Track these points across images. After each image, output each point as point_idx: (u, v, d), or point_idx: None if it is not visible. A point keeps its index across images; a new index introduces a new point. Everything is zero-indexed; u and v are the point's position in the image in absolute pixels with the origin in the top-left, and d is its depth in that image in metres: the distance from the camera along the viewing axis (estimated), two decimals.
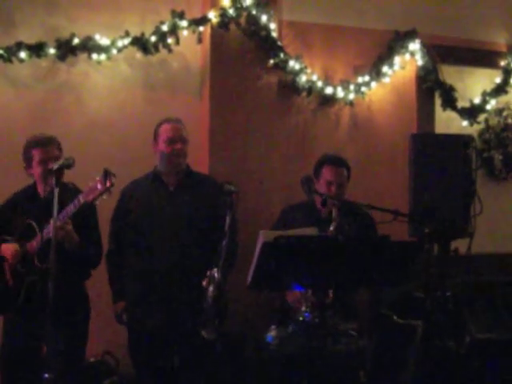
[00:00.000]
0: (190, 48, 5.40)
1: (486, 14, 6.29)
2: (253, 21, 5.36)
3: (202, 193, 4.28)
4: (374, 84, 5.82)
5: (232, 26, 5.33)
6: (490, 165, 6.35)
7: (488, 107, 6.26)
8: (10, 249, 3.94)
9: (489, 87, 6.28)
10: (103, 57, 5.09)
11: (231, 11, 5.27)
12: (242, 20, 5.37)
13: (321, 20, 5.77)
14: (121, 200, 4.36)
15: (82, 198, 3.60)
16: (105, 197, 3.52)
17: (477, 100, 6.23)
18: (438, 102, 6.11)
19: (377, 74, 5.82)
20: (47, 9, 5.17)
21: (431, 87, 6.05)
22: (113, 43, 5.08)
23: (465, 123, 6.19)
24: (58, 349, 3.66)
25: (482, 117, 6.28)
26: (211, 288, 3.46)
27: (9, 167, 4.83)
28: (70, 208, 3.67)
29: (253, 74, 5.46)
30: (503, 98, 6.35)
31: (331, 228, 3.71)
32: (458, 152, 4.25)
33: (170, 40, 5.19)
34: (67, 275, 3.75)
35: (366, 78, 5.79)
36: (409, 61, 5.98)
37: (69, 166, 3.58)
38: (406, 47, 5.90)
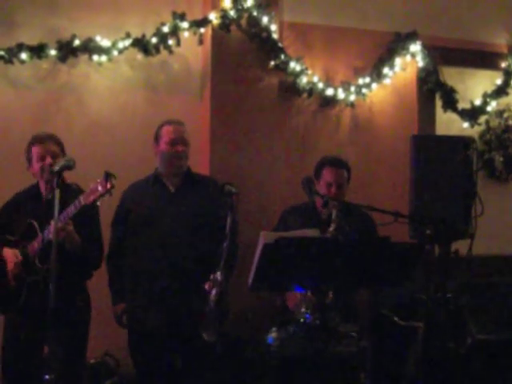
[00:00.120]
0: (191, 49, 5.40)
1: (486, 15, 6.30)
2: (254, 22, 5.37)
3: (203, 194, 4.28)
4: (374, 85, 5.83)
5: (233, 28, 5.34)
6: (490, 166, 6.35)
7: (489, 109, 6.26)
8: (10, 256, 3.95)
9: (489, 89, 6.28)
10: (104, 58, 5.09)
11: (232, 13, 5.28)
12: (243, 21, 5.37)
13: (322, 21, 5.78)
14: (122, 202, 4.36)
15: (82, 200, 3.60)
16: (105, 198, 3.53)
17: (477, 101, 6.23)
18: (438, 103, 6.12)
19: (377, 76, 5.83)
20: (48, 10, 5.18)
21: (432, 89, 6.06)
22: (114, 44, 5.09)
23: (465, 125, 6.19)
24: (59, 350, 3.65)
25: (482, 118, 6.29)
26: (214, 291, 3.46)
27: (9, 168, 4.85)
28: (71, 209, 3.67)
29: (254, 75, 5.46)
30: (504, 100, 6.35)
31: (331, 229, 3.71)
32: (459, 153, 4.25)
33: (170, 41, 5.20)
34: (68, 276, 3.76)
35: (367, 80, 5.80)
36: (409, 62, 5.99)
37: (70, 167, 3.59)
38: (407, 49, 5.91)
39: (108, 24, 5.23)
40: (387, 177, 5.89)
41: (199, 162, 5.23)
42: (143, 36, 5.14)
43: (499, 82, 6.30)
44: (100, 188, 3.50)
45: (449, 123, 6.16)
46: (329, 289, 3.71)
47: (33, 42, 4.95)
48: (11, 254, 3.94)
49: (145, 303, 4.17)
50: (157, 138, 4.31)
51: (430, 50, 5.97)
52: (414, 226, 4.21)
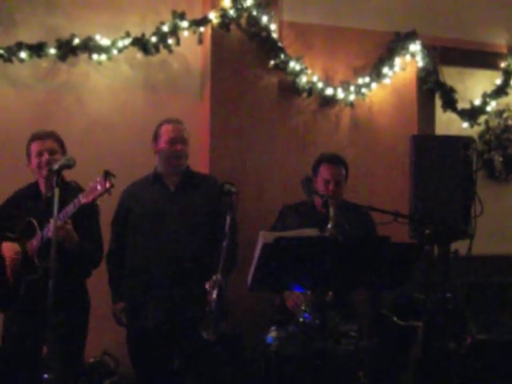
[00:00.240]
0: (191, 49, 5.40)
1: (486, 15, 6.30)
2: (253, 22, 5.36)
3: (203, 193, 4.28)
4: (374, 85, 5.83)
5: (232, 27, 5.33)
6: (490, 166, 6.35)
7: (488, 109, 6.26)
8: (10, 249, 3.94)
9: (489, 89, 6.28)
10: (104, 57, 5.09)
11: (232, 12, 5.27)
12: (243, 21, 5.36)
13: (321, 21, 5.78)
14: (121, 201, 4.36)
15: (81, 199, 3.60)
16: (105, 197, 3.53)
17: (477, 101, 6.23)
18: (438, 103, 6.12)
19: (377, 76, 5.83)
20: (48, 9, 5.17)
21: (431, 88, 6.06)
22: (113, 43, 5.08)
23: (465, 125, 6.19)
24: (58, 349, 3.65)
25: (482, 118, 6.29)
26: (215, 292, 3.46)
27: (9, 167, 4.84)
28: (70, 208, 3.67)
29: (253, 74, 5.46)
30: (503, 100, 6.35)
31: (329, 226, 3.70)
32: (459, 153, 4.25)
33: (170, 41, 5.19)
34: (67, 274, 3.75)
35: (367, 79, 5.80)
36: (409, 62, 5.99)
37: (69, 166, 3.59)
38: (407, 48, 5.91)
39: (108, 23, 5.23)
40: (387, 176, 5.89)
41: (199, 161, 5.22)
42: (143, 35, 5.14)
43: (499, 81, 6.29)
44: (99, 187, 3.50)
45: (448, 123, 6.16)
46: (328, 288, 3.71)
47: (32, 40, 4.95)
48: (10, 248, 3.94)
49: (144, 302, 4.17)
50: (156, 137, 4.30)
51: (429, 49, 5.97)
52: (413, 226, 4.22)
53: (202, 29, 5.29)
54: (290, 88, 5.58)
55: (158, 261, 4.15)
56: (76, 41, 5.00)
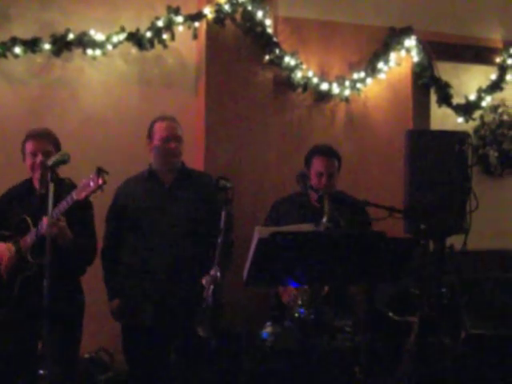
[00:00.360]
0: (186, 44, 5.39)
1: (481, 10, 6.30)
2: (248, 17, 5.36)
3: (198, 189, 4.27)
4: (369, 80, 5.82)
5: (227, 22, 5.33)
6: (485, 161, 6.36)
7: (483, 104, 6.27)
8: (5, 250, 3.94)
9: (484, 84, 6.28)
10: (98, 52, 5.07)
11: (227, 7, 5.27)
12: (238, 16, 5.36)
13: (316, 16, 5.77)
14: (116, 197, 4.36)
15: (74, 195, 3.60)
16: (98, 193, 3.52)
17: (472, 97, 6.23)
18: (433, 98, 6.12)
19: (372, 71, 5.83)
20: (42, 4, 5.16)
21: (427, 84, 6.06)
22: (108, 39, 5.07)
23: (460, 120, 6.19)
24: (53, 345, 3.64)
25: (477, 113, 6.29)
26: (211, 287, 3.45)
27: (4, 162, 4.83)
28: (63, 205, 3.67)
29: (248, 70, 5.46)
30: (498, 95, 6.35)
31: (324, 220, 3.70)
32: (454, 148, 4.25)
33: (165, 36, 5.18)
34: (61, 271, 3.74)
35: (362, 75, 5.79)
36: (404, 57, 5.99)
37: (64, 161, 3.59)
38: (402, 43, 5.90)
39: (102, 18, 5.22)
40: (382, 171, 5.89)
41: (194, 157, 5.22)
42: (137, 30, 5.13)
43: (494, 77, 6.29)
44: (92, 184, 3.49)
45: (443, 118, 6.17)
46: (324, 283, 3.71)
47: (27, 35, 4.93)
48: (4, 249, 3.94)
49: (140, 298, 4.17)
50: (150, 134, 4.29)
51: (424, 44, 5.96)
52: (408, 221, 4.22)
53: (196, 24, 5.28)
54: (285, 83, 5.57)
55: (153, 258, 4.15)
56: (70, 36, 4.99)
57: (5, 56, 4.90)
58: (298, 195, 4.57)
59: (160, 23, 5.16)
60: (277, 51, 5.44)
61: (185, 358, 4.20)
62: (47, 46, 4.96)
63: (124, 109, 5.36)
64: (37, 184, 4.06)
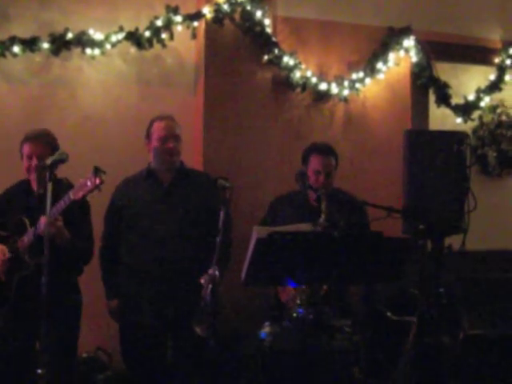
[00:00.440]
0: (185, 43, 5.39)
1: (480, 10, 6.30)
2: (247, 16, 5.36)
3: (196, 189, 4.27)
4: (368, 80, 5.82)
5: (226, 22, 5.33)
6: (483, 162, 6.36)
7: (482, 104, 6.26)
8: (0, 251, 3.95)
9: (483, 84, 6.28)
10: (97, 52, 5.07)
11: (226, 6, 5.26)
12: (237, 15, 5.36)
13: (315, 16, 5.77)
14: (114, 197, 4.36)
15: (72, 195, 3.60)
16: (95, 193, 3.53)
17: (471, 97, 6.23)
18: (432, 98, 6.12)
19: (371, 71, 5.82)
20: (41, 3, 5.15)
21: (425, 84, 6.05)
22: (107, 38, 5.07)
23: (459, 120, 6.19)
24: (51, 344, 3.64)
25: (476, 114, 6.29)
26: (210, 286, 3.45)
27: (3, 161, 4.82)
28: (61, 204, 3.67)
29: (247, 69, 5.46)
30: (497, 95, 6.35)
31: (322, 220, 3.70)
32: (452, 149, 4.24)
33: (164, 35, 5.18)
34: (59, 271, 3.74)
35: (361, 75, 5.79)
36: (403, 57, 5.98)
37: (62, 160, 3.58)
38: (401, 44, 5.90)
39: (101, 17, 5.21)
40: (380, 171, 5.89)
41: (192, 156, 5.22)
42: (136, 29, 5.13)
43: (492, 77, 6.29)
44: (89, 183, 3.50)
45: (442, 118, 6.17)
46: (322, 283, 3.72)
47: (25, 35, 4.93)
48: (0, 249, 3.94)
49: (138, 298, 4.17)
50: (148, 134, 4.30)
51: (423, 44, 5.96)
52: (407, 221, 4.21)
53: (195, 23, 5.28)
54: (283, 83, 5.57)
55: (151, 257, 4.15)
56: (69, 35, 4.99)
57: (4, 55, 4.89)
58: (295, 194, 4.57)
59: (159, 23, 5.15)
60: (276, 51, 5.44)
61: (183, 358, 4.20)
62: (46, 46, 4.96)
63: (123, 108, 5.36)
64: (34, 185, 4.06)
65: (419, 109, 6.13)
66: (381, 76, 5.88)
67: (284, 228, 3.79)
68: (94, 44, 5.04)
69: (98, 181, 3.46)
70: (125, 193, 4.33)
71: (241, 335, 4.70)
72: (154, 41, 5.17)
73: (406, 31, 5.90)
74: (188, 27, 5.26)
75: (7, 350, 3.99)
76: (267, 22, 5.40)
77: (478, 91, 6.24)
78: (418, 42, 5.93)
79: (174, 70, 5.49)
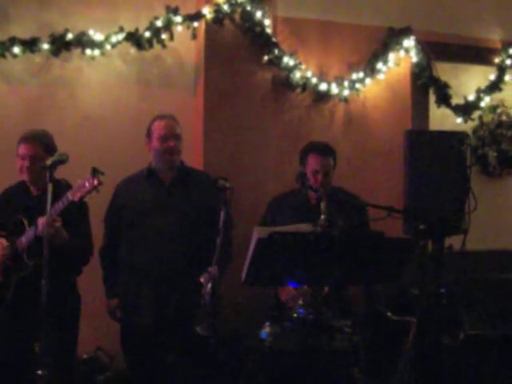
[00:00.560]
0: (184, 44, 5.39)
1: (480, 11, 6.30)
2: (247, 17, 5.35)
3: (197, 189, 4.27)
4: (368, 80, 5.82)
5: (226, 22, 5.32)
6: (484, 162, 6.36)
7: (482, 104, 6.27)
8: None
9: (483, 84, 6.28)
10: (97, 52, 5.07)
11: (226, 7, 5.26)
12: (237, 16, 5.36)
13: (315, 16, 5.77)
14: (115, 196, 4.36)
15: (70, 196, 3.61)
16: (93, 194, 3.53)
17: (471, 97, 6.23)
18: (432, 98, 6.12)
19: (371, 71, 5.83)
20: (41, 4, 5.16)
21: (425, 84, 6.06)
22: (107, 39, 5.07)
23: (459, 120, 6.19)
24: (50, 345, 3.64)
25: (476, 114, 6.29)
26: (209, 285, 3.45)
27: (2, 162, 4.82)
28: (59, 205, 3.67)
29: (247, 70, 5.45)
30: (497, 95, 6.35)
31: (321, 220, 3.69)
32: (453, 149, 4.24)
33: (164, 36, 5.18)
34: (57, 271, 3.74)
35: (361, 75, 5.79)
36: (403, 57, 5.99)
37: (62, 161, 3.59)
38: (401, 44, 5.90)
39: (101, 18, 5.21)
40: (381, 172, 5.89)
41: (193, 157, 5.22)
42: (136, 30, 5.12)
43: (493, 77, 6.29)
44: (87, 184, 3.50)
45: (442, 118, 6.17)
46: (323, 283, 3.71)
47: (25, 35, 4.93)
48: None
49: (138, 298, 4.16)
50: (149, 133, 4.30)
51: (423, 45, 5.96)
52: (407, 221, 4.21)
53: (195, 24, 5.28)
54: (283, 83, 5.58)
55: (151, 256, 4.14)
56: (69, 36, 4.99)
57: (3, 56, 4.89)
58: (293, 193, 4.57)
59: (159, 23, 5.15)
60: (276, 51, 5.44)
61: (184, 357, 4.20)
62: (46, 46, 4.96)
63: (123, 109, 5.36)
64: (30, 185, 4.07)
65: (419, 109, 6.13)
66: (381, 76, 5.88)
67: (284, 228, 3.79)
68: (93, 45, 5.03)
69: (96, 182, 3.46)
70: (125, 192, 4.33)
71: (241, 335, 4.70)
72: (154, 41, 5.17)
73: (406, 31, 5.90)
74: (188, 28, 5.26)
75: (5, 351, 3.98)
76: (267, 22, 5.40)
77: (478, 91, 6.25)
78: (418, 42, 5.93)
79: (174, 70, 5.49)
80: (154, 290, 4.13)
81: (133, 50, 5.23)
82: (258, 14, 5.34)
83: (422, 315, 4.07)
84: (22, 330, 3.91)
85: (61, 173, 3.75)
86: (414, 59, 5.98)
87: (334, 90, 5.71)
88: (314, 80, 5.64)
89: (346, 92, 5.75)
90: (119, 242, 4.29)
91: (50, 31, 4.99)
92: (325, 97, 5.74)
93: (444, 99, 6.09)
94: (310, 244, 3.36)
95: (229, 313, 4.41)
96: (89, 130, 5.25)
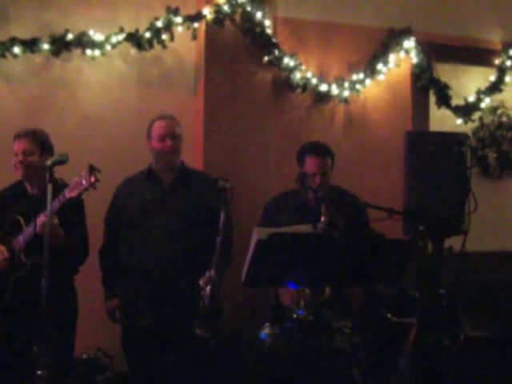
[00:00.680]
0: (185, 44, 5.38)
1: (480, 12, 6.30)
2: (248, 17, 5.35)
3: (197, 189, 4.27)
4: (368, 81, 5.82)
5: (227, 23, 5.32)
6: (484, 163, 6.35)
7: (482, 105, 6.26)
8: None
9: (483, 85, 6.28)
10: (97, 53, 5.07)
11: (226, 7, 5.26)
12: (237, 16, 5.35)
13: (316, 17, 5.77)
14: (115, 197, 4.36)
15: (67, 193, 3.61)
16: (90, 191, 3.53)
17: (471, 98, 6.23)
18: (432, 99, 6.12)
19: (371, 72, 5.82)
20: (41, 4, 5.15)
21: (426, 85, 6.05)
22: (107, 39, 5.06)
23: (459, 121, 6.19)
24: (47, 345, 3.63)
25: (476, 115, 6.29)
26: (208, 287, 3.45)
27: (2, 162, 4.82)
28: (55, 203, 3.66)
29: (247, 70, 5.45)
30: (497, 96, 6.34)
31: (322, 222, 3.69)
32: (453, 150, 4.24)
33: (164, 36, 5.17)
34: (53, 271, 3.73)
35: (361, 76, 5.79)
36: (403, 58, 5.98)
37: (62, 162, 3.59)
38: (401, 45, 5.90)
39: (101, 18, 5.21)
40: (381, 173, 5.89)
41: (193, 157, 5.22)
42: (137, 30, 5.12)
43: (493, 78, 6.29)
44: (84, 182, 3.51)
45: (442, 119, 6.16)
46: (322, 285, 3.71)
47: (26, 36, 4.92)
48: None
49: (138, 298, 4.16)
50: (148, 133, 4.31)
51: (424, 46, 5.96)
52: (407, 223, 4.21)
53: (196, 24, 5.27)
54: (284, 84, 5.57)
55: (152, 257, 4.14)
56: (70, 36, 4.98)
57: (4, 56, 4.89)
58: (292, 194, 4.57)
59: (159, 24, 5.15)
60: (276, 52, 5.43)
61: (183, 359, 4.20)
62: (46, 46, 4.96)
63: (123, 109, 5.35)
64: (28, 185, 4.07)
65: (419, 110, 6.13)
66: (381, 77, 5.88)
67: (285, 229, 3.79)
68: (94, 45, 5.03)
69: (92, 179, 3.47)
70: (125, 193, 4.34)
71: (241, 336, 4.70)
72: (155, 42, 5.16)
73: (406, 32, 5.90)
74: (188, 28, 5.26)
75: (3, 351, 3.98)
76: (267, 22, 5.40)
77: (479, 92, 6.24)
78: (419, 43, 5.93)
79: (175, 70, 5.48)
80: (154, 291, 4.13)
81: (133, 51, 5.22)
82: (259, 15, 5.34)
83: (421, 316, 4.07)
84: (19, 330, 3.91)
85: (61, 173, 3.74)
86: (415, 60, 5.98)
87: (335, 90, 5.71)
88: (315, 81, 5.64)
89: (346, 93, 5.75)
90: (119, 243, 4.29)
91: (50, 31, 4.99)
92: (325, 97, 5.73)
93: (444, 100, 6.08)
94: (310, 245, 3.37)
95: (229, 313, 4.41)
96: (89, 131, 5.24)
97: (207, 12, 5.25)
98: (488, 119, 6.39)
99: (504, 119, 6.43)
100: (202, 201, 4.22)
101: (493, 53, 6.34)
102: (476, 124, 6.35)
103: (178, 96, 5.46)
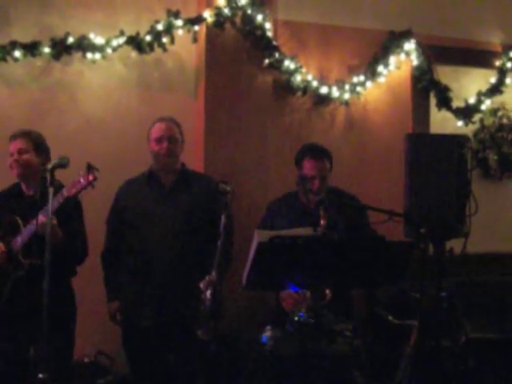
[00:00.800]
0: (185, 47, 5.38)
1: (481, 14, 6.30)
2: (248, 20, 5.35)
3: (198, 192, 4.28)
4: (369, 84, 5.82)
5: (227, 26, 5.32)
6: (485, 165, 6.35)
7: (483, 107, 6.26)
8: None
9: (484, 87, 6.28)
10: (98, 56, 5.07)
11: (226, 10, 5.26)
12: (238, 19, 5.36)
13: (316, 20, 5.77)
14: (116, 199, 4.37)
15: (65, 192, 3.61)
16: (90, 189, 3.54)
17: (472, 100, 6.23)
18: (433, 101, 6.12)
19: (372, 74, 5.83)
20: (42, 8, 5.16)
21: (426, 87, 6.05)
22: (107, 42, 5.07)
23: (460, 123, 6.19)
24: (45, 347, 3.63)
25: (477, 117, 6.29)
26: (209, 291, 3.45)
27: (2, 165, 4.82)
28: (54, 203, 3.66)
29: (248, 73, 5.45)
30: (498, 98, 6.35)
31: (320, 229, 3.69)
32: (453, 152, 4.24)
33: (164, 39, 5.18)
34: (52, 272, 3.73)
35: (361, 78, 5.79)
36: (404, 61, 5.98)
37: (63, 165, 3.59)
38: (402, 47, 5.90)
39: (102, 22, 5.21)
40: (381, 175, 5.89)
41: (193, 159, 5.22)
42: (137, 34, 5.13)
43: (493, 80, 6.29)
44: (82, 180, 3.51)
45: (443, 122, 6.16)
46: (323, 287, 3.71)
47: (26, 39, 4.93)
48: None
49: (139, 300, 4.17)
50: (148, 135, 4.33)
51: (424, 48, 5.96)
52: (408, 225, 4.21)
53: (196, 27, 5.28)
54: (284, 86, 5.58)
55: (152, 259, 4.15)
56: (70, 40, 4.99)
57: (4, 60, 4.89)
58: (292, 196, 4.57)
59: (160, 27, 5.15)
60: (276, 55, 5.44)
61: (184, 361, 4.20)
62: (47, 50, 4.96)
63: (123, 112, 5.35)
64: (25, 187, 4.08)
65: (420, 112, 6.13)
66: (382, 79, 5.88)
67: (285, 232, 3.79)
68: (94, 48, 5.04)
69: (91, 177, 3.47)
70: (126, 194, 4.35)
71: (242, 339, 4.70)
72: (155, 45, 5.17)
73: (406, 35, 5.90)
74: (189, 31, 5.26)
75: (1, 353, 3.98)
76: (268, 25, 5.40)
77: (479, 94, 6.24)
78: (419, 45, 5.93)
79: (175, 73, 5.49)
80: (155, 292, 4.14)
81: (134, 54, 5.23)
82: (259, 18, 5.34)
83: (422, 319, 4.07)
84: (17, 332, 3.91)
85: (61, 175, 3.74)
86: (415, 62, 5.98)
87: (335, 93, 5.71)
88: (315, 83, 5.64)
89: (346, 95, 5.75)
90: (121, 245, 4.29)
91: (50, 35, 5.00)
92: (325, 100, 5.74)
93: (445, 102, 6.09)
94: (310, 248, 3.36)
95: (230, 316, 4.41)
96: (90, 134, 5.25)
97: (208, 15, 5.25)
98: (489, 121, 6.39)
99: (505, 121, 6.43)
100: (203, 202, 4.23)
101: (493, 55, 6.34)
102: (477, 126, 6.35)
103: (178, 99, 5.46)
